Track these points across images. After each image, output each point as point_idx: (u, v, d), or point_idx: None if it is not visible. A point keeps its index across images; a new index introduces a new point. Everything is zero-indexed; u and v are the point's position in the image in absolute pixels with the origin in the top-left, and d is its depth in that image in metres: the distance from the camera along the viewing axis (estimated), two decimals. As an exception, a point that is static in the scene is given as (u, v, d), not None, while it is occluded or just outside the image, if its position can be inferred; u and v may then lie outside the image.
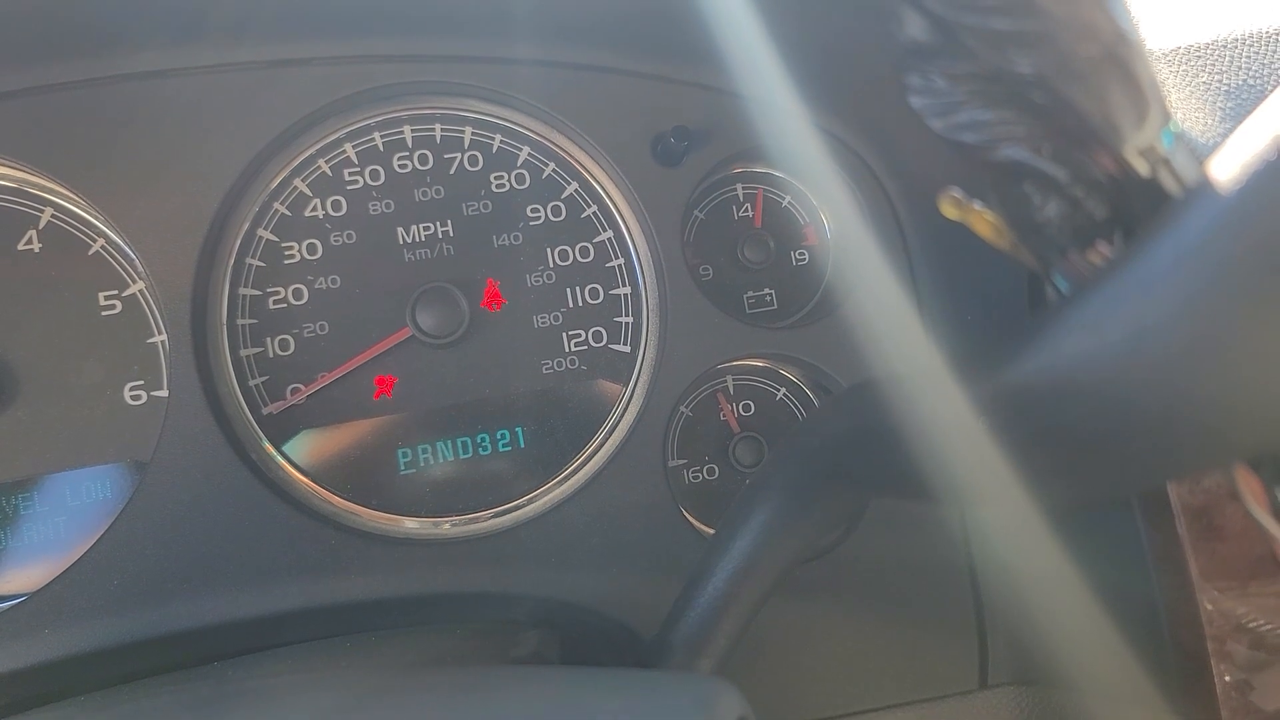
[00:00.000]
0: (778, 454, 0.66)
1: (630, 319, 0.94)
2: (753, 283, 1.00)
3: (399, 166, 0.91)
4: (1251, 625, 0.67)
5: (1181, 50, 0.72)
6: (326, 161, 0.89)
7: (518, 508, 0.90)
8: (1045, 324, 0.45)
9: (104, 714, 0.65)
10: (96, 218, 0.83)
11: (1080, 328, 0.42)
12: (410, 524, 0.87)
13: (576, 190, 0.95)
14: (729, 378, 0.98)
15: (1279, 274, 0.34)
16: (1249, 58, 0.68)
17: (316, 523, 0.82)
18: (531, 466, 0.91)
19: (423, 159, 0.92)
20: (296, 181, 0.88)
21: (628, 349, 0.94)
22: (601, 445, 0.92)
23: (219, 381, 0.84)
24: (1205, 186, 0.38)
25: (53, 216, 0.84)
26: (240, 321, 0.86)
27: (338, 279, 0.88)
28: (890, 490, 0.64)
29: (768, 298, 1.00)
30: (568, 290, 0.93)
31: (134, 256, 0.83)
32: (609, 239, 0.95)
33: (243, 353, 0.86)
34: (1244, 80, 0.67)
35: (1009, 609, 0.90)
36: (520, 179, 0.94)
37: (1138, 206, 0.46)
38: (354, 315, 0.88)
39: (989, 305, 0.88)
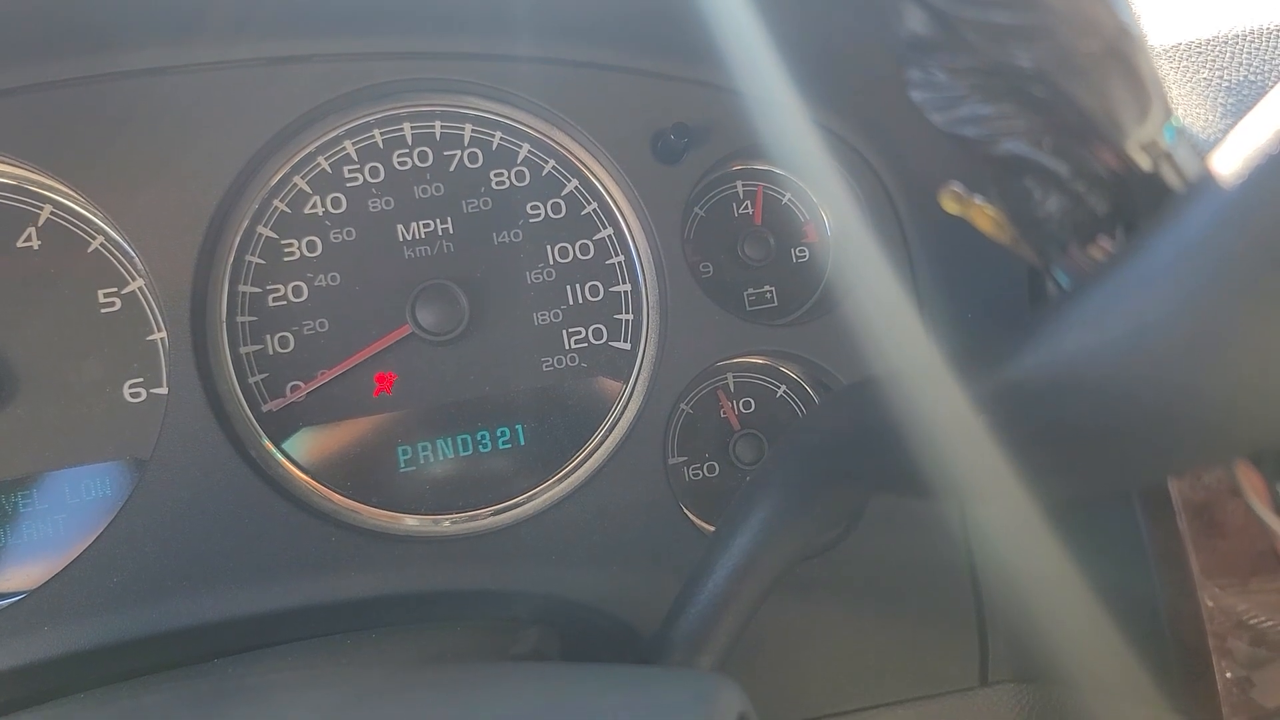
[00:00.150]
0: (778, 451, 0.66)
1: (630, 316, 0.94)
2: (753, 280, 1.00)
3: (399, 164, 0.91)
4: (1252, 622, 0.67)
5: (1183, 46, 0.72)
6: (326, 159, 0.89)
7: (518, 505, 0.90)
8: (1046, 319, 0.44)
9: (104, 711, 0.65)
10: (96, 215, 0.83)
11: (1081, 323, 0.42)
12: (410, 521, 0.87)
13: (576, 187, 0.95)
14: (729, 375, 0.98)
15: (1280, 269, 0.34)
16: (1250, 54, 0.68)
17: (316, 520, 0.82)
18: (532, 464, 0.91)
19: (422, 156, 0.92)
20: (296, 179, 0.88)
21: (628, 346, 0.94)
22: (602, 442, 0.92)
23: (219, 379, 0.84)
24: (1206, 182, 0.38)
25: (52, 214, 0.84)
26: (240, 319, 0.86)
27: (337, 276, 0.88)
28: (891, 487, 0.64)
29: (768, 295, 1.00)
30: (568, 287, 0.93)
31: (133, 254, 0.82)
32: (609, 236, 0.95)
33: (242, 350, 0.86)
34: (1245, 76, 0.67)
35: (1009, 606, 0.90)
36: (520, 176, 0.94)
37: (1139, 201, 0.46)
38: (354, 312, 0.88)
39: (989, 301, 0.88)
